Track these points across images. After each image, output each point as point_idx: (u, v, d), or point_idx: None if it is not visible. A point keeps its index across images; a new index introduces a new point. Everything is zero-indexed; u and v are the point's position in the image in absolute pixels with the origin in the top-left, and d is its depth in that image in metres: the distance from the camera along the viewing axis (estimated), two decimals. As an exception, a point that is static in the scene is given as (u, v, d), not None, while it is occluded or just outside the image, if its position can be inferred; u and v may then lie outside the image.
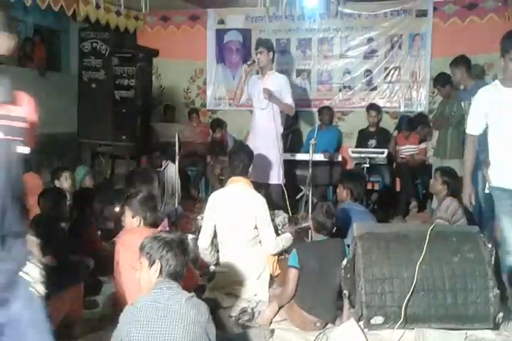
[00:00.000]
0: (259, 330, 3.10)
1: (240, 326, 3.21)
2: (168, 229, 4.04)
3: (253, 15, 7.10)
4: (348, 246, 3.32)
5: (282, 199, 4.78)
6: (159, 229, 3.49)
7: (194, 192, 6.74)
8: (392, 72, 6.81)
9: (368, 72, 6.87)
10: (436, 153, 5.70)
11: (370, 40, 6.82)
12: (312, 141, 4.69)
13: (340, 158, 6.02)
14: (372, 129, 6.47)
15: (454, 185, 4.22)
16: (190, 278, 3.15)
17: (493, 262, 3.05)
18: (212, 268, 3.86)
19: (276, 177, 4.93)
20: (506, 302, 3.19)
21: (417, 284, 2.96)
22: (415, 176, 6.06)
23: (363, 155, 5.64)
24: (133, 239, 2.95)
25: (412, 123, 6.27)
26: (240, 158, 3.89)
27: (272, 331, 3.14)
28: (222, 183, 5.84)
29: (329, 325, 3.20)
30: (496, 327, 2.98)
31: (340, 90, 6.99)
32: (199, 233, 3.93)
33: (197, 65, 7.47)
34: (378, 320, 2.95)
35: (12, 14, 1.61)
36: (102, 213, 4.67)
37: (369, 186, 5.88)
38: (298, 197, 5.69)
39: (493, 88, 3.21)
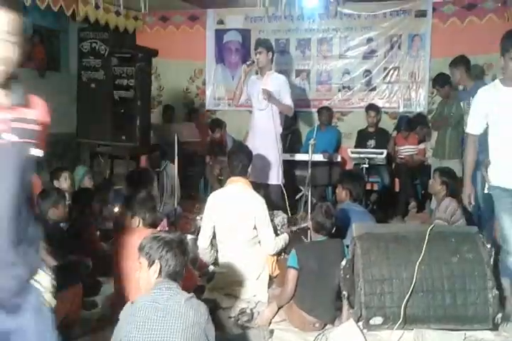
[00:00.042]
0: (259, 331, 3.11)
1: (239, 327, 3.20)
2: (167, 229, 4.05)
3: (252, 15, 7.10)
4: (347, 246, 3.32)
5: (282, 200, 4.78)
6: (158, 229, 3.49)
7: (193, 193, 6.74)
8: (391, 72, 6.81)
9: (367, 72, 6.87)
10: (435, 153, 5.70)
11: (369, 40, 6.82)
12: (311, 142, 4.69)
13: (339, 159, 6.01)
14: (371, 129, 6.46)
15: (452, 185, 4.23)
16: (189, 279, 3.15)
17: (492, 262, 3.05)
18: (211, 268, 3.86)
19: (275, 177, 4.93)
20: (505, 302, 3.19)
21: (416, 285, 2.96)
22: (414, 176, 6.07)
23: (362, 155, 5.64)
24: (132, 239, 2.95)
25: (411, 124, 6.27)
26: (239, 159, 3.88)
27: (271, 331, 3.14)
28: (221, 183, 5.84)
29: (328, 326, 3.20)
30: (495, 327, 2.98)
31: (339, 90, 6.99)
32: (198, 233, 3.93)
33: (196, 65, 7.47)
34: (377, 320, 2.95)
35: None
36: (101, 213, 4.67)
37: (368, 186, 5.88)
38: (297, 197, 5.69)
39: (492, 88, 3.21)
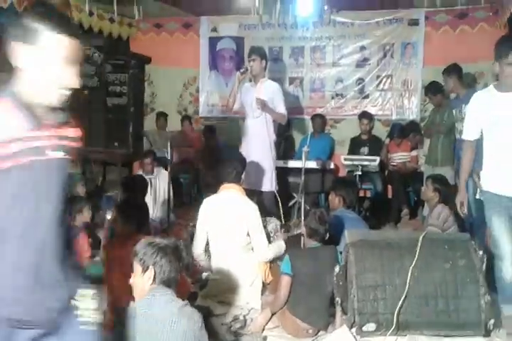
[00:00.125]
0: (252, 338, 3.10)
1: (232, 333, 3.19)
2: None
3: (246, 23, 7.13)
4: (341, 253, 3.32)
5: (275, 207, 4.78)
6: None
7: (186, 200, 6.73)
8: (384, 80, 6.86)
9: (360, 80, 6.91)
10: (427, 160, 5.73)
11: (362, 48, 6.87)
12: (305, 149, 4.70)
13: (332, 166, 6.03)
14: (364, 137, 6.49)
15: (445, 192, 4.26)
16: (183, 285, 3.14)
17: (484, 269, 3.06)
18: (204, 275, 3.85)
19: (268, 184, 4.94)
20: (497, 308, 3.19)
21: (409, 291, 2.96)
22: (407, 183, 6.09)
23: (355, 162, 5.66)
24: (124, 246, 2.94)
25: (404, 131, 6.30)
26: (233, 165, 3.89)
27: (265, 338, 3.14)
28: (214, 190, 5.83)
29: (321, 332, 3.19)
30: (487, 333, 2.98)
31: (332, 98, 7.02)
32: (192, 240, 3.92)
33: (190, 72, 7.48)
34: (370, 327, 2.95)
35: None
36: (93, 220, 4.64)
37: (361, 193, 5.90)
38: (290, 204, 5.69)
39: (486, 93, 3.21)
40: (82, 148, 1.74)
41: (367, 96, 6.90)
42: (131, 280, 2.39)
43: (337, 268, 3.14)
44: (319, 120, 6.65)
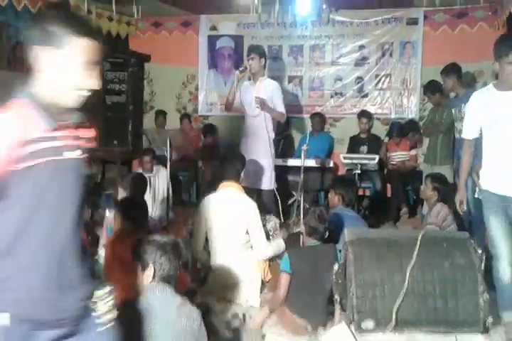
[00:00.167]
0: (251, 335, 3.11)
1: (231, 331, 3.20)
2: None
3: (245, 21, 7.12)
4: (340, 251, 3.33)
5: (274, 205, 4.79)
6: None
7: (185, 198, 6.74)
8: (383, 79, 6.86)
9: (359, 79, 6.92)
10: (426, 159, 5.74)
11: (361, 47, 6.88)
12: (304, 147, 4.70)
13: (331, 164, 6.04)
14: (363, 136, 6.49)
15: (444, 191, 4.26)
16: (182, 283, 3.14)
17: (483, 268, 3.06)
18: (203, 272, 3.86)
19: (268, 182, 4.94)
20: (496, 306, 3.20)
21: (407, 289, 2.96)
22: (406, 182, 6.10)
23: (354, 161, 5.67)
24: (124, 244, 2.94)
25: (403, 130, 6.31)
26: (232, 164, 3.90)
27: (263, 336, 3.15)
28: (213, 188, 5.83)
29: (320, 330, 3.20)
30: (485, 331, 2.99)
31: (331, 97, 7.03)
32: (191, 238, 3.93)
33: (189, 70, 7.48)
34: (369, 324, 2.95)
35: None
36: (92, 218, 4.64)
37: (360, 192, 5.91)
38: (289, 202, 5.70)
39: (486, 92, 3.20)
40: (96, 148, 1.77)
41: (366, 95, 6.91)
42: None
43: (336, 267, 3.14)
44: (318, 119, 6.66)
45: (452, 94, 5.44)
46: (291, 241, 4.03)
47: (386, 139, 6.45)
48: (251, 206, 3.75)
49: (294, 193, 5.58)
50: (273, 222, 4.32)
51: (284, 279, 3.21)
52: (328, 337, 2.99)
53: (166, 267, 2.35)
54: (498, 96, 3.07)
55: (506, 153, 3.10)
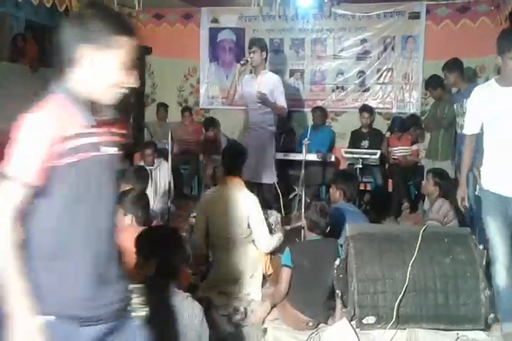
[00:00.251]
0: (252, 329, 3.11)
1: (232, 325, 3.21)
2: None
3: (247, 14, 7.08)
4: (341, 246, 3.33)
5: (275, 199, 4.79)
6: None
7: (187, 191, 6.74)
8: (384, 73, 6.84)
9: (361, 73, 6.90)
10: (428, 154, 5.73)
11: (363, 41, 6.85)
12: (305, 141, 4.70)
13: (333, 158, 6.03)
14: (364, 130, 6.49)
15: (445, 186, 4.26)
16: (183, 277, 3.15)
17: (484, 263, 3.07)
18: (204, 267, 3.86)
19: (269, 176, 4.94)
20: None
21: (408, 284, 2.97)
22: (407, 177, 6.10)
23: (355, 155, 5.67)
24: (125, 238, 2.94)
25: (405, 125, 6.30)
26: (233, 157, 3.89)
27: (265, 330, 3.15)
28: (214, 182, 5.84)
29: (321, 325, 3.21)
30: (487, 328, 3.00)
31: (333, 91, 7.01)
32: (192, 232, 3.93)
33: (190, 63, 7.45)
34: (370, 319, 2.97)
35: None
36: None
37: (361, 187, 5.90)
38: (291, 196, 5.70)
39: (487, 87, 3.16)
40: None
41: (367, 90, 6.89)
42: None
43: (337, 261, 3.15)
44: (320, 112, 6.65)
45: (454, 89, 5.43)
46: (292, 235, 4.04)
47: (387, 134, 6.43)
48: (252, 200, 3.75)
49: (295, 187, 5.57)
50: (274, 216, 4.32)
51: (286, 273, 3.21)
52: (330, 332, 3.00)
53: (168, 260, 2.35)
54: (500, 92, 3.04)
55: (507, 148, 3.06)
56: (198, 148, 6.90)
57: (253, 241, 3.75)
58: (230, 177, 3.84)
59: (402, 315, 2.95)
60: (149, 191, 4.90)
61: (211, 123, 7.02)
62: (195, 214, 4.02)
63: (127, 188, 3.66)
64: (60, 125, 1.51)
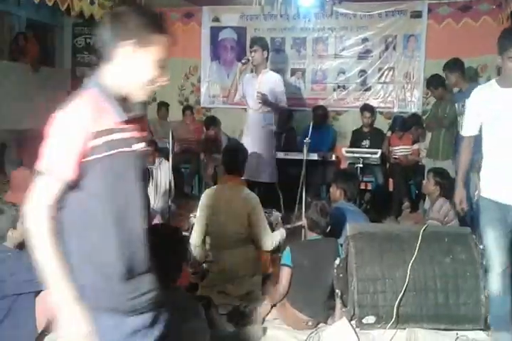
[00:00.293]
0: (252, 329, 3.11)
1: (232, 324, 3.21)
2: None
3: (248, 13, 7.08)
4: (342, 245, 3.32)
5: (276, 198, 4.79)
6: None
7: (187, 190, 6.74)
8: (386, 72, 6.84)
9: (362, 72, 6.90)
10: (429, 154, 5.72)
11: (364, 40, 6.85)
12: (306, 140, 4.69)
13: (334, 158, 6.02)
14: (366, 129, 6.48)
15: (446, 186, 4.25)
16: (183, 276, 3.14)
17: (484, 263, 3.06)
18: (204, 266, 3.86)
19: (269, 175, 4.94)
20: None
21: (408, 284, 2.98)
22: (408, 177, 6.09)
23: (356, 155, 5.66)
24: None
25: (406, 124, 6.29)
26: (234, 156, 3.88)
27: (264, 330, 3.15)
28: (215, 181, 5.83)
29: (321, 324, 3.21)
30: (486, 327, 3.00)
31: (334, 90, 7.01)
32: (192, 231, 3.93)
33: (191, 62, 7.45)
34: (370, 319, 2.97)
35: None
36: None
37: (362, 186, 5.88)
38: (291, 195, 5.68)
39: (488, 87, 3.09)
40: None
41: (369, 89, 6.89)
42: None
43: (337, 261, 3.15)
44: (321, 112, 6.63)
45: (455, 89, 5.41)
46: (293, 234, 4.04)
47: (389, 133, 6.43)
48: (253, 199, 3.74)
49: (296, 187, 5.56)
50: (275, 215, 4.32)
51: (285, 273, 3.21)
52: (330, 332, 3.00)
53: (168, 260, 2.35)
54: (501, 93, 2.95)
55: (508, 149, 2.96)
56: (199, 147, 6.89)
57: (253, 240, 3.75)
58: (231, 176, 3.84)
59: (402, 315, 2.95)
60: (150, 190, 4.91)
61: (212, 122, 7.01)
62: (195, 213, 4.02)
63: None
64: (94, 120, 1.53)
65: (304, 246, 3.40)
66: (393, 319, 2.93)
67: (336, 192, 4.23)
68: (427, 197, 4.89)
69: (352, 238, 3.17)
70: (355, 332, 2.95)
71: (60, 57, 8.05)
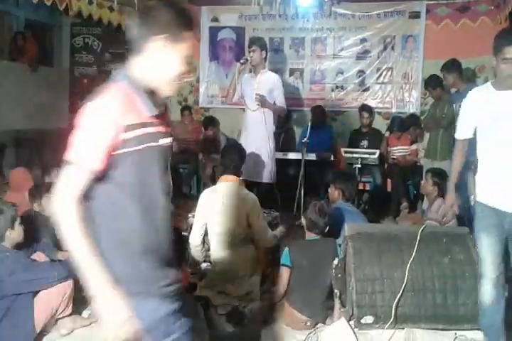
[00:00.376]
0: (250, 329, 3.11)
1: (231, 324, 3.21)
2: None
3: (247, 13, 7.09)
4: (340, 245, 3.33)
5: (274, 198, 4.79)
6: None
7: (186, 190, 6.74)
8: (384, 73, 6.86)
9: (361, 72, 6.91)
10: (427, 154, 5.73)
11: (363, 40, 6.87)
12: (304, 141, 4.71)
13: (332, 158, 6.03)
14: (364, 130, 6.49)
15: (444, 186, 4.25)
16: (182, 276, 3.14)
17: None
18: (203, 266, 3.86)
19: (268, 176, 4.94)
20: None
21: (407, 284, 2.98)
22: (406, 177, 6.10)
23: (355, 155, 5.67)
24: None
25: (404, 124, 6.30)
26: (232, 157, 3.88)
27: (263, 330, 3.15)
28: (214, 181, 5.83)
29: (320, 325, 3.21)
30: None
31: (332, 90, 7.02)
32: (191, 231, 3.93)
33: (190, 62, 7.44)
34: (369, 319, 2.97)
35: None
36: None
37: (360, 186, 5.90)
38: (290, 196, 5.69)
39: (485, 89, 3.02)
40: None
41: (367, 89, 6.90)
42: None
43: (336, 261, 3.15)
44: (319, 112, 6.63)
45: (453, 89, 5.42)
46: (291, 235, 4.05)
47: (387, 133, 6.44)
48: (251, 199, 3.75)
49: (294, 187, 5.57)
50: (273, 215, 4.32)
51: (284, 273, 3.22)
52: (328, 332, 3.01)
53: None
54: (497, 95, 2.86)
55: (507, 151, 2.88)
56: (198, 147, 6.89)
57: (252, 240, 3.75)
58: (229, 176, 3.84)
59: (400, 315, 2.96)
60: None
61: (211, 122, 7.02)
62: (194, 213, 4.02)
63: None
64: (125, 113, 1.54)
65: (303, 247, 3.40)
66: (391, 319, 2.93)
67: (334, 192, 4.24)
68: (425, 198, 4.90)
69: (350, 238, 3.18)
70: (354, 332, 2.96)
71: (59, 57, 8.03)
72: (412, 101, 6.75)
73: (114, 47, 7.30)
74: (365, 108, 6.51)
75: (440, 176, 4.35)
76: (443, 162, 5.28)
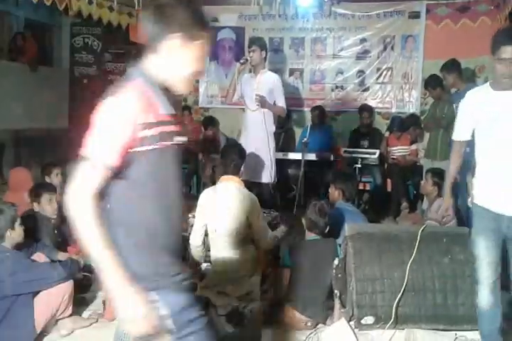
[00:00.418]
0: (250, 329, 3.11)
1: (231, 325, 3.21)
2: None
3: (246, 13, 7.08)
4: (340, 245, 3.33)
5: (274, 198, 4.79)
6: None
7: (185, 190, 6.74)
8: (384, 72, 6.85)
9: (361, 72, 6.91)
10: (427, 154, 5.73)
11: (363, 40, 6.86)
12: (304, 141, 4.70)
13: (332, 158, 6.03)
14: (364, 130, 6.49)
15: (444, 186, 4.25)
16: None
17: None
18: (203, 266, 3.86)
19: (267, 176, 4.94)
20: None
21: (407, 284, 2.98)
22: (406, 177, 6.10)
23: (354, 155, 5.67)
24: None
25: (404, 124, 6.30)
26: (232, 157, 3.88)
27: (263, 330, 3.15)
28: (213, 181, 5.83)
29: (320, 325, 3.21)
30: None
31: (332, 90, 7.02)
32: (191, 231, 3.93)
33: (189, 62, 7.43)
34: (369, 319, 2.97)
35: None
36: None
37: (360, 186, 5.90)
38: (290, 196, 5.69)
39: (483, 89, 2.99)
40: None
41: (367, 89, 6.90)
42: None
43: (336, 261, 3.15)
44: (319, 112, 6.64)
45: (453, 89, 5.42)
46: (291, 235, 4.04)
47: (387, 133, 6.44)
48: (251, 199, 3.74)
49: (294, 187, 5.58)
50: (274, 215, 4.32)
51: (284, 273, 3.21)
52: (328, 333, 3.01)
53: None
54: (495, 96, 2.84)
55: (506, 151, 2.83)
56: (197, 147, 6.89)
57: (252, 240, 3.75)
58: (229, 176, 3.84)
59: (400, 315, 2.96)
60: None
61: (210, 122, 7.01)
62: (194, 213, 4.01)
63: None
64: (142, 111, 1.54)
65: (303, 247, 3.40)
66: (392, 319, 2.93)
67: (334, 192, 4.24)
68: (425, 198, 4.90)
69: (350, 238, 3.18)
70: (354, 333, 2.96)
71: (58, 57, 8.04)
72: (412, 101, 6.75)
73: (114, 47, 7.30)
74: (365, 108, 6.51)
75: (440, 176, 4.34)
76: (443, 162, 5.27)
